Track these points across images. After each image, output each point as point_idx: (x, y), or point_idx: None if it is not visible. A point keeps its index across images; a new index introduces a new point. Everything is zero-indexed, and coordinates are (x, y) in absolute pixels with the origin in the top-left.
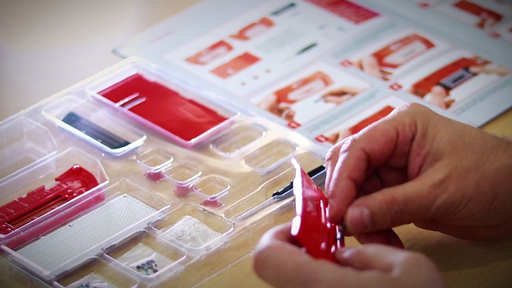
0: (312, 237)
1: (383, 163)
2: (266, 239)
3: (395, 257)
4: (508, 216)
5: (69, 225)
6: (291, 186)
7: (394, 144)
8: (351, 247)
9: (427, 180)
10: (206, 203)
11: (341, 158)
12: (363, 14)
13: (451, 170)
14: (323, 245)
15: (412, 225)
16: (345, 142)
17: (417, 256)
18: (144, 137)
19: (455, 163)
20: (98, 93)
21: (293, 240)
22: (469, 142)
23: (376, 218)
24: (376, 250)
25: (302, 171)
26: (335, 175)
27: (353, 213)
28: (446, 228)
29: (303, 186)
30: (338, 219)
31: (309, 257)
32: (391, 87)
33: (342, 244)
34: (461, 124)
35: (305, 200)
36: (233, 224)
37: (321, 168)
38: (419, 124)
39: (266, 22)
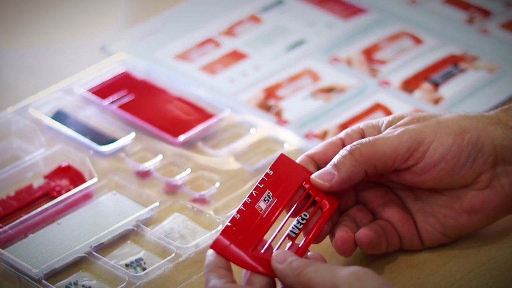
0: (240, 244)
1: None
2: (212, 277)
3: (336, 277)
4: (490, 160)
5: (57, 223)
6: None
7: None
8: (294, 259)
9: (391, 131)
10: (195, 200)
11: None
12: (351, 11)
13: (411, 119)
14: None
15: None
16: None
17: (356, 271)
18: (133, 134)
19: (414, 116)
20: (87, 90)
21: (235, 256)
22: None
23: (339, 164)
24: (314, 271)
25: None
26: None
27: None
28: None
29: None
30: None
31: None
32: (380, 83)
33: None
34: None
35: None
36: (222, 221)
37: None
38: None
39: (254, 19)
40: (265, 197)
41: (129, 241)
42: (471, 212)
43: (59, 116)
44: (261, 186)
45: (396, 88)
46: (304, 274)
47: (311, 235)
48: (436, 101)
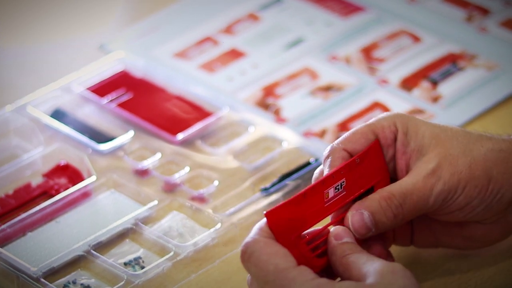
0: (289, 224)
1: None
2: (256, 232)
3: (372, 265)
4: (506, 203)
5: (56, 221)
6: (278, 181)
7: None
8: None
9: (419, 171)
10: (193, 198)
11: (326, 164)
12: (350, 9)
13: (440, 159)
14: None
15: None
16: (326, 150)
17: (393, 264)
18: (131, 133)
19: (443, 153)
20: (85, 89)
21: (282, 235)
22: (452, 135)
23: (378, 217)
24: (357, 257)
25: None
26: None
27: (353, 217)
28: (446, 238)
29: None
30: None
31: (291, 263)
32: (379, 82)
33: None
34: (439, 124)
35: (305, 191)
36: (221, 219)
37: (308, 163)
38: (398, 124)
39: (253, 18)
40: (338, 185)
41: (127, 240)
42: (469, 239)
43: (58, 115)
44: (341, 173)
45: (394, 87)
46: (348, 258)
47: None
48: (435, 99)
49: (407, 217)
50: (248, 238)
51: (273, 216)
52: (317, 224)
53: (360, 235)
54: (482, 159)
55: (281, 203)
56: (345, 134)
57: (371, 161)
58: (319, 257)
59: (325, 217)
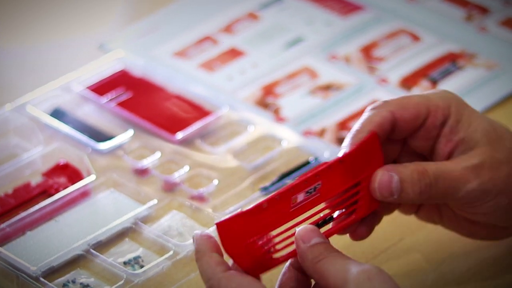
0: (244, 232)
1: (407, 135)
2: (213, 270)
3: (347, 273)
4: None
5: (55, 221)
6: (278, 180)
7: (422, 121)
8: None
9: (461, 162)
10: (193, 198)
11: (367, 113)
12: (349, 9)
13: (485, 159)
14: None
15: (401, 218)
16: (376, 102)
17: (369, 270)
18: (131, 132)
19: (489, 153)
20: (85, 88)
21: (232, 243)
22: (501, 135)
23: (405, 186)
24: (330, 263)
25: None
26: (356, 126)
27: (383, 177)
28: (451, 221)
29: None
30: None
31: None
32: (378, 81)
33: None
34: (490, 118)
35: (263, 202)
36: (220, 218)
37: (307, 163)
38: (453, 109)
39: (252, 17)
40: (310, 189)
41: (127, 239)
42: (475, 234)
43: (57, 114)
44: (317, 176)
45: (394, 86)
46: (321, 264)
47: (335, 230)
48: None
49: (431, 199)
50: (210, 277)
51: (225, 226)
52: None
53: (382, 196)
54: None
55: (237, 213)
56: (399, 97)
57: (362, 156)
58: (279, 255)
59: (288, 222)
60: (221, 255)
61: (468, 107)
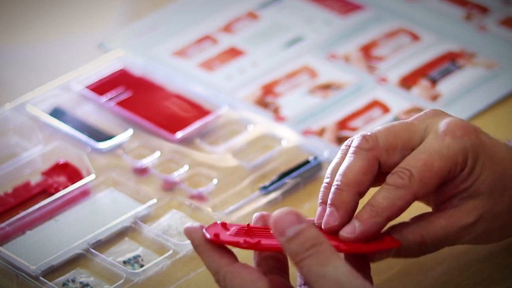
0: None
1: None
2: (217, 264)
3: (324, 280)
4: None
5: (55, 220)
6: (277, 179)
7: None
8: None
9: (458, 221)
10: (192, 197)
11: (355, 156)
12: (349, 8)
13: (483, 214)
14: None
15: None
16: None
17: (340, 277)
18: (130, 131)
19: (488, 207)
20: (84, 87)
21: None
22: (506, 185)
23: (402, 252)
24: (310, 265)
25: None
26: (338, 176)
27: (346, 228)
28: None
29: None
30: (338, 230)
31: None
32: (378, 80)
33: None
34: (504, 158)
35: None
36: (220, 218)
37: (307, 162)
38: (469, 162)
39: (252, 16)
40: None
41: (126, 238)
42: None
43: (57, 113)
44: None
45: (394, 85)
46: (302, 266)
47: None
48: (434, 98)
49: (430, 250)
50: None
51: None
52: None
53: (378, 259)
54: None
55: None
56: (421, 167)
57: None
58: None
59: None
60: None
61: (483, 152)
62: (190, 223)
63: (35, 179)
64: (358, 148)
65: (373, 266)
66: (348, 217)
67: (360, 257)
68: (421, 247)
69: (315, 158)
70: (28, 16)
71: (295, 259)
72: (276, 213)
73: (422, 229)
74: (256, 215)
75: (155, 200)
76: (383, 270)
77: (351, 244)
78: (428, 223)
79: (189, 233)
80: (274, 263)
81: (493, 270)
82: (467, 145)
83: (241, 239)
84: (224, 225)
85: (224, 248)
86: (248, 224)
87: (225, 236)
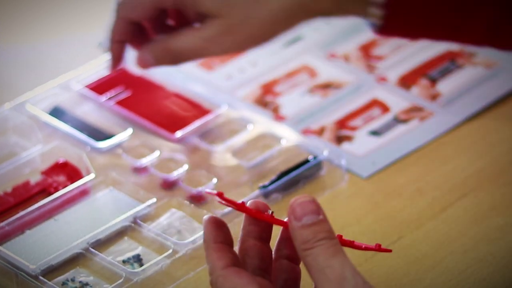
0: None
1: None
2: (213, 266)
3: (325, 276)
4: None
5: (54, 219)
6: (277, 179)
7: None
8: None
9: (200, 33)
10: (192, 196)
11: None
12: None
13: (220, 28)
14: None
15: (400, 217)
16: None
17: (343, 275)
18: (130, 131)
19: (223, 21)
20: (84, 86)
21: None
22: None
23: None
24: (314, 258)
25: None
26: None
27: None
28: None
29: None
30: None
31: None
32: (377, 79)
33: None
34: None
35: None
36: (220, 216)
37: (307, 161)
38: None
39: None
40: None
41: (126, 237)
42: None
43: (56, 112)
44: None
45: (393, 84)
46: (306, 256)
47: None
48: (434, 97)
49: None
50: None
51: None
52: None
53: (142, 66)
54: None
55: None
56: None
57: None
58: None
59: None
60: (227, 243)
61: None
62: (209, 214)
63: (35, 178)
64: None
65: (372, 266)
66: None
67: None
68: (166, 55)
69: (315, 157)
70: (28, 15)
71: (304, 246)
72: (298, 197)
73: (169, 40)
74: (250, 202)
75: (154, 200)
76: (382, 270)
77: (350, 242)
78: (173, 36)
79: (204, 224)
80: (258, 262)
81: (492, 269)
82: None
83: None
84: (220, 195)
85: (225, 249)
86: (243, 202)
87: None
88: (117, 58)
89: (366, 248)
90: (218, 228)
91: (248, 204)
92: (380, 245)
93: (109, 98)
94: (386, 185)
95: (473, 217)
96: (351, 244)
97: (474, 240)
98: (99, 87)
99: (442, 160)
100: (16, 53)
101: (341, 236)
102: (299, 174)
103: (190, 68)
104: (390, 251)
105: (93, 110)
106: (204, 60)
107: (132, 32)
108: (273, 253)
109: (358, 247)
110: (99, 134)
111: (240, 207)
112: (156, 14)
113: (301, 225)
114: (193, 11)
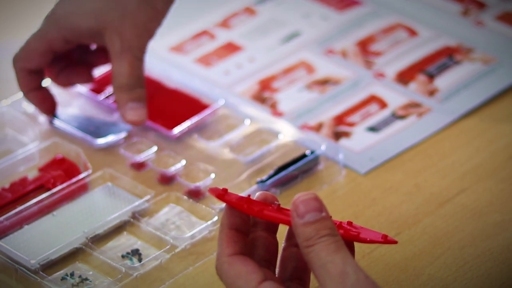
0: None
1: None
2: (219, 251)
3: (327, 274)
4: None
5: (53, 214)
6: (275, 173)
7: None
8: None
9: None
10: (190, 191)
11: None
12: (346, 3)
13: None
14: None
15: (398, 213)
16: None
17: (345, 271)
18: (128, 126)
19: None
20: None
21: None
22: None
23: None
24: (316, 255)
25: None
26: None
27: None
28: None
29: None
30: None
31: (253, 281)
32: (375, 75)
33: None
34: None
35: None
36: (218, 212)
37: (304, 156)
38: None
39: (249, 11)
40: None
41: (125, 232)
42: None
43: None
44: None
45: (391, 80)
46: (308, 252)
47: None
48: (431, 93)
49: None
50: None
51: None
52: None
53: None
54: None
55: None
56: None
57: None
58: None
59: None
60: (242, 231)
61: None
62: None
63: (32, 174)
64: None
65: (370, 262)
66: None
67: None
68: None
69: (312, 152)
70: (25, 13)
71: (306, 243)
72: (302, 194)
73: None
74: (258, 193)
75: (152, 195)
76: (380, 266)
77: (353, 236)
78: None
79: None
80: (264, 253)
81: (490, 265)
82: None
83: (244, 204)
84: (225, 191)
85: (236, 237)
86: (249, 195)
87: (230, 197)
88: (41, 104)
89: (371, 241)
90: (236, 214)
91: (256, 195)
92: (386, 236)
93: (107, 97)
94: (384, 181)
95: (471, 213)
96: (355, 238)
97: (472, 236)
98: (97, 84)
99: (439, 156)
100: (14, 51)
101: (351, 222)
102: (296, 168)
103: (188, 64)
104: (396, 242)
105: (91, 107)
106: (202, 56)
107: (38, 78)
108: (283, 241)
109: (363, 240)
110: (97, 131)
111: (241, 207)
112: (52, 58)
113: (303, 222)
114: (84, 40)
